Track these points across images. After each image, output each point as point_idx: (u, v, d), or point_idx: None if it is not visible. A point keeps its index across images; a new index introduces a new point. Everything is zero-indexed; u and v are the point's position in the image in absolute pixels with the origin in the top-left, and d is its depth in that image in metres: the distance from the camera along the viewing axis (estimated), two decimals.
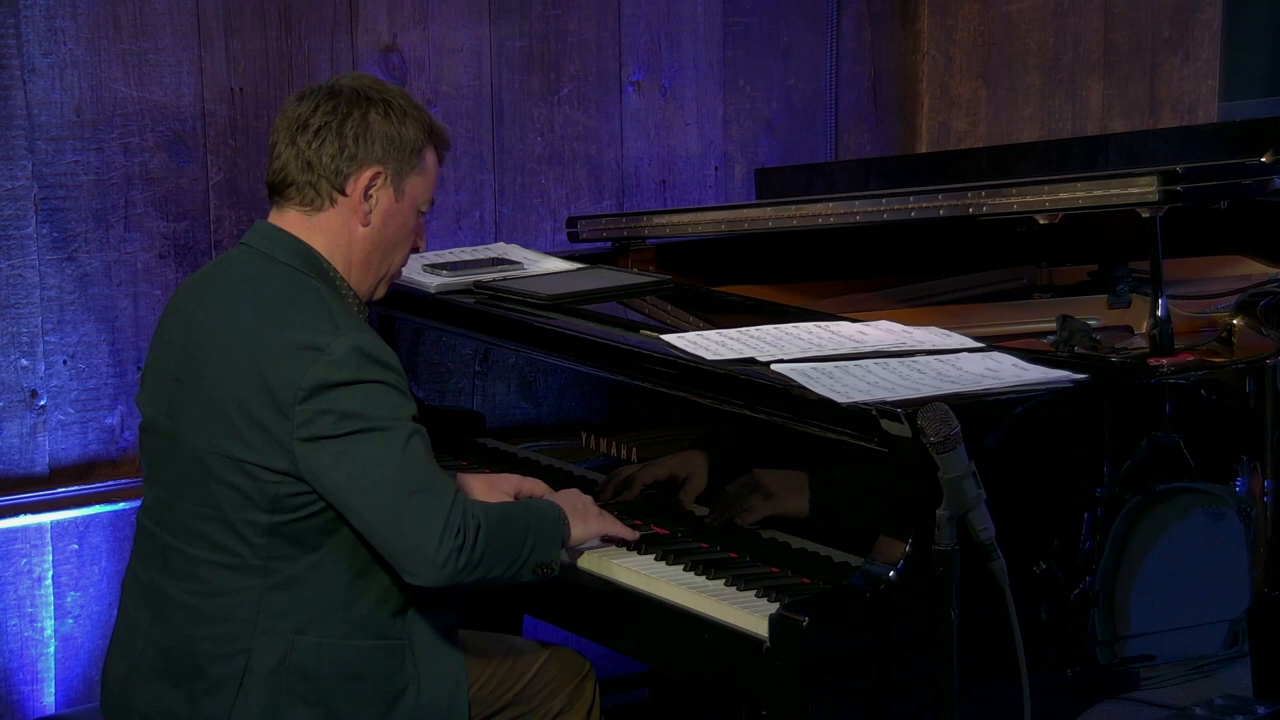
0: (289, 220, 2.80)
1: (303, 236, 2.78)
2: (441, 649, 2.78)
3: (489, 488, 3.07)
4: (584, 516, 2.89)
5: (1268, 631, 3.33)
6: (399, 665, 2.74)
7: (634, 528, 2.98)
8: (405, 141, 2.80)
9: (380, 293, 2.89)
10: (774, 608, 2.61)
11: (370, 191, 2.79)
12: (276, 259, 2.77)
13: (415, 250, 2.91)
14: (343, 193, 2.78)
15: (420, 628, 2.76)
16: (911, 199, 3.41)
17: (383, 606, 2.73)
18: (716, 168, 4.62)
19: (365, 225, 2.80)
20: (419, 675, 2.75)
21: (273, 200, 2.83)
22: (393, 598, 2.73)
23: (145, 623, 2.78)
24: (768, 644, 2.60)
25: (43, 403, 3.73)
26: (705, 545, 2.96)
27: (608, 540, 2.94)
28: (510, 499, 3.05)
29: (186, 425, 2.72)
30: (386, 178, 2.79)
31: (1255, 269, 3.71)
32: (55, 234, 3.71)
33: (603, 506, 3.02)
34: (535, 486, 3.08)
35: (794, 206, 3.66)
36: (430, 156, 2.85)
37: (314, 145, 2.76)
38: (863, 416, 2.68)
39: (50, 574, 3.76)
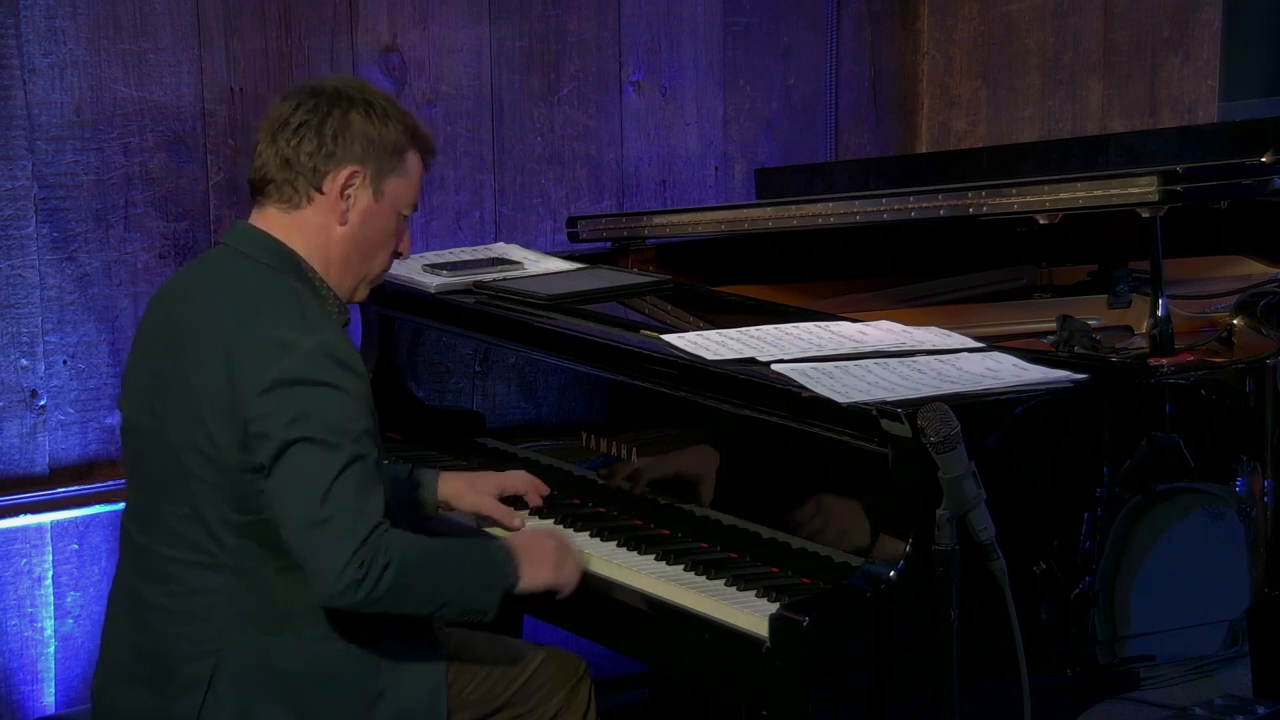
0: (268, 218, 2.80)
1: (281, 235, 2.79)
2: (419, 655, 2.77)
3: (467, 487, 3.06)
4: (540, 563, 2.81)
5: (1268, 631, 3.33)
6: (375, 668, 2.73)
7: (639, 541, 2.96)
8: (386, 142, 2.79)
9: (361, 295, 2.88)
10: (774, 608, 2.61)
11: (347, 190, 2.78)
12: (253, 258, 2.77)
13: (398, 255, 2.90)
14: (320, 190, 2.78)
15: (396, 630, 2.75)
16: (911, 199, 3.41)
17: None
18: (716, 168, 4.62)
19: (343, 224, 2.79)
20: (397, 679, 2.74)
21: (254, 199, 2.84)
22: None
23: (125, 628, 2.79)
24: (768, 644, 2.60)
25: (43, 403, 3.73)
26: (705, 545, 2.96)
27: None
28: (493, 499, 3.06)
29: (165, 423, 2.72)
30: (365, 177, 2.79)
31: (1255, 269, 3.70)
32: (55, 234, 3.71)
33: (602, 508, 3.01)
34: (518, 482, 3.09)
35: (794, 206, 3.66)
36: (413, 159, 2.84)
37: (293, 143, 2.77)
38: (863, 416, 2.68)
39: (50, 574, 3.76)
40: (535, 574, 2.80)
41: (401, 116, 2.83)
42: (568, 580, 2.85)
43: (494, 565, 2.76)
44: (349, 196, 2.79)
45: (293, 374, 2.62)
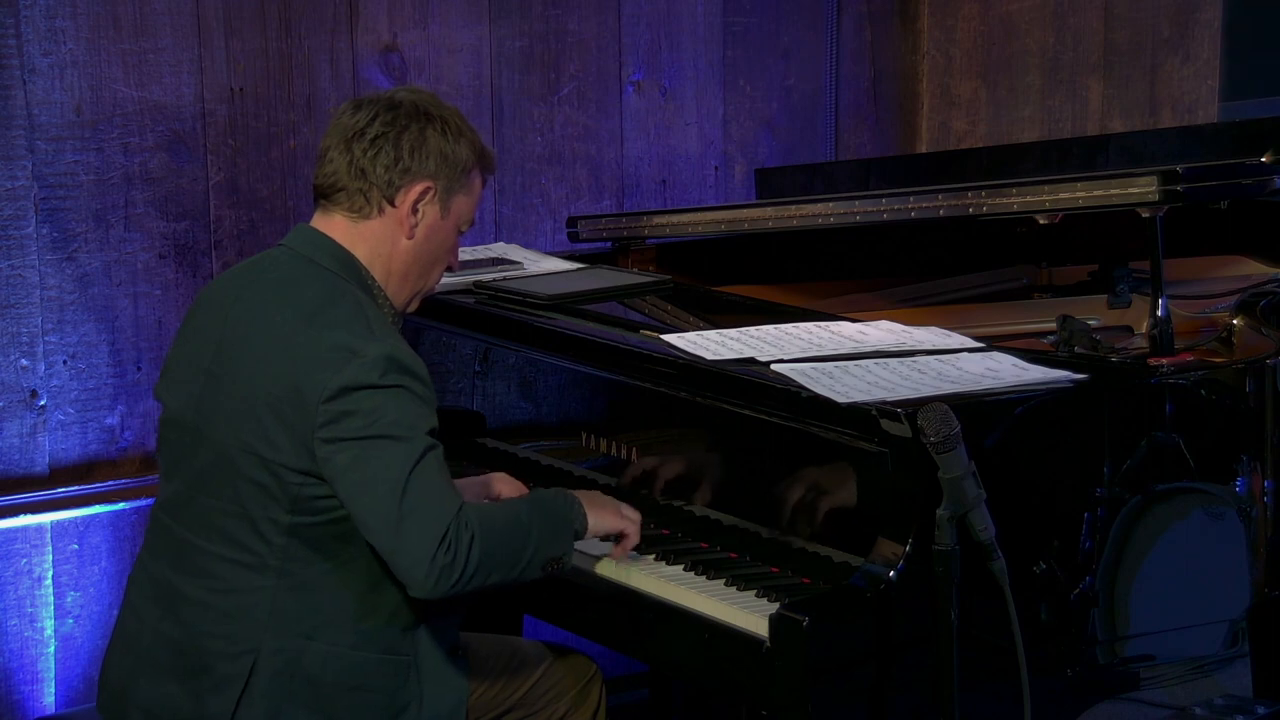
0: (334, 225, 2.80)
1: (346, 243, 2.79)
2: (446, 668, 2.77)
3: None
4: (602, 508, 2.86)
5: (1268, 631, 3.33)
6: (404, 681, 2.73)
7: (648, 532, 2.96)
8: (457, 160, 2.81)
9: (413, 306, 2.89)
10: (774, 608, 2.61)
11: (419, 205, 2.80)
12: (317, 263, 2.77)
13: (449, 269, 2.92)
14: (391, 204, 2.78)
15: (428, 645, 2.76)
16: (911, 199, 3.41)
17: (394, 620, 2.72)
18: (716, 168, 4.62)
19: (410, 238, 2.81)
20: (422, 693, 2.74)
21: (318, 204, 2.83)
22: (404, 612, 2.73)
23: (154, 618, 2.77)
24: (768, 644, 2.60)
25: (43, 403, 3.73)
26: (705, 545, 2.96)
27: (622, 537, 2.89)
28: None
29: (215, 421, 2.71)
30: (436, 194, 2.80)
31: (1255, 269, 3.71)
32: (55, 234, 3.71)
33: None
34: (503, 486, 3.08)
35: (794, 206, 3.66)
36: (477, 178, 2.87)
37: (369, 154, 2.77)
38: (863, 416, 2.68)
39: (50, 574, 3.76)
40: (600, 516, 2.84)
41: (471, 134, 2.85)
42: (632, 523, 2.88)
43: (561, 511, 2.78)
44: (419, 212, 2.80)
45: (361, 380, 2.61)
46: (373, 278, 2.80)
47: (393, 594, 2.70)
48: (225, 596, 2.70)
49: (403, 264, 2.82)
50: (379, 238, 2.80)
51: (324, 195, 2.81)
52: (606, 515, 2.86)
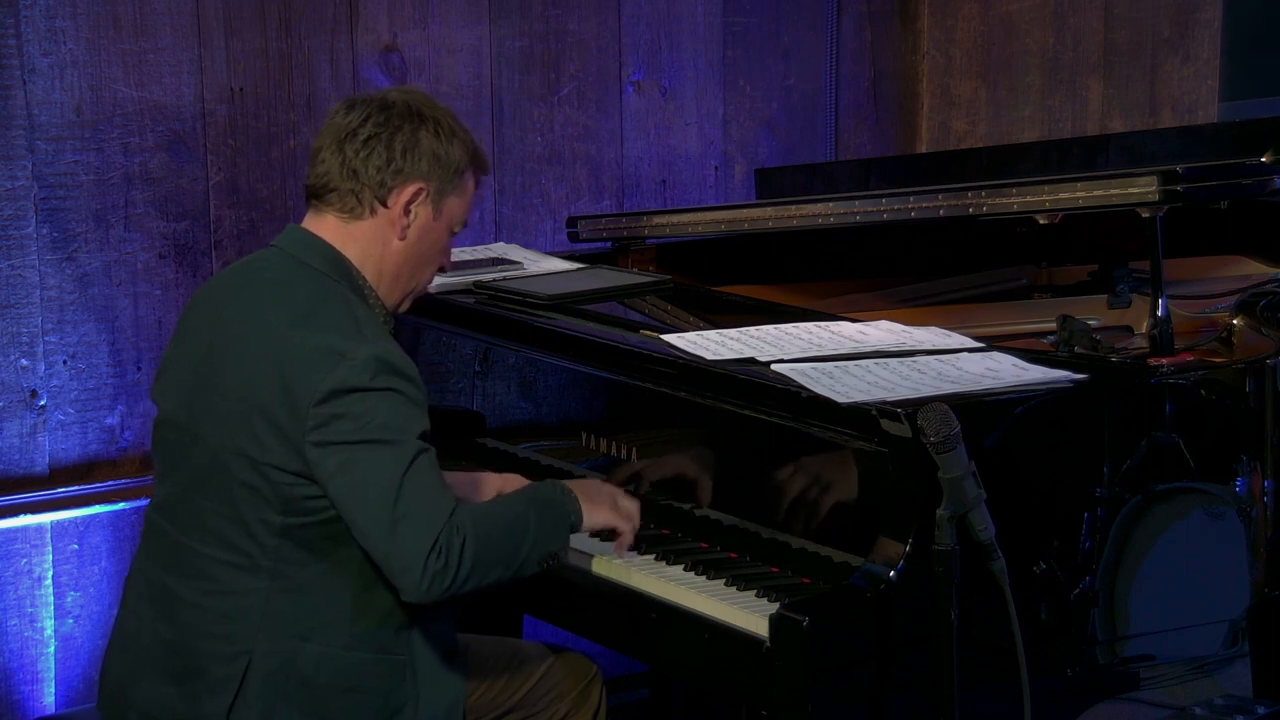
0: (326, 226, 2.80)
1: (337, 243, 2.78)
2: (442, 669, 2.77)
3: (471, 490, 3.05)
4: (597, 502, 2.84)
5: (1268, 631, 3.33)
6: (399, 682, 2.73)
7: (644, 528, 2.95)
8: (450, 161, 2.80)
9: (405, 306, 2.89)
10: (774, 608, 2.62)
11: (411, 206, 2.79)
12: (308, 264, 2.77)
13: (441, 270, 2.91)
14: (384, 204, 2.78)
15: (423, 646, 2.75)
16: (911, 199, 3.41)
17: (388, 621, 2.71)
18: (716, 168, 4.62)
19: (402, 239, 2.80)
20: (418, 694, 2.74)
21: (310, 204, 2.83)
22: (399, 613, 2.72)
23: (150, 620, 2.77)
24: (768, 644, 2.60)
25: (43, 403, 3.73)
26: (705, 545, 2.96)
27: (618, 533, 2.89)
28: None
29: (206, 423, 2.71)
30: (428, 195, 2.80)
31: (1255, 269, 3.71)
32: (55, 234, 3.71)
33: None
34: (516, 484, 3.08)
35: (794, 206, 3.66)
36: (470, 179, 2.86)
37: (361, 154, 2.76)
38: (863, 416, 2.68)
39: (50, 574, 3.76)
40: (594, 512, 2.83)
41: (464, 135, 2.84)
42: (627, 517, 2.87)
43: (556, 506, 2.78)
44: (411, 212, 2.79)
45: (350, 383, 2.61)
46: (364, 278, 2.80)
47: (387, 595, 2.70)
48: (219, 598, 2.70)
49: (394, 265, 2.82)
50: (371, 238, 2.80)
51: (316, 195, 2.81)
52: (600, 511, 2.84)
